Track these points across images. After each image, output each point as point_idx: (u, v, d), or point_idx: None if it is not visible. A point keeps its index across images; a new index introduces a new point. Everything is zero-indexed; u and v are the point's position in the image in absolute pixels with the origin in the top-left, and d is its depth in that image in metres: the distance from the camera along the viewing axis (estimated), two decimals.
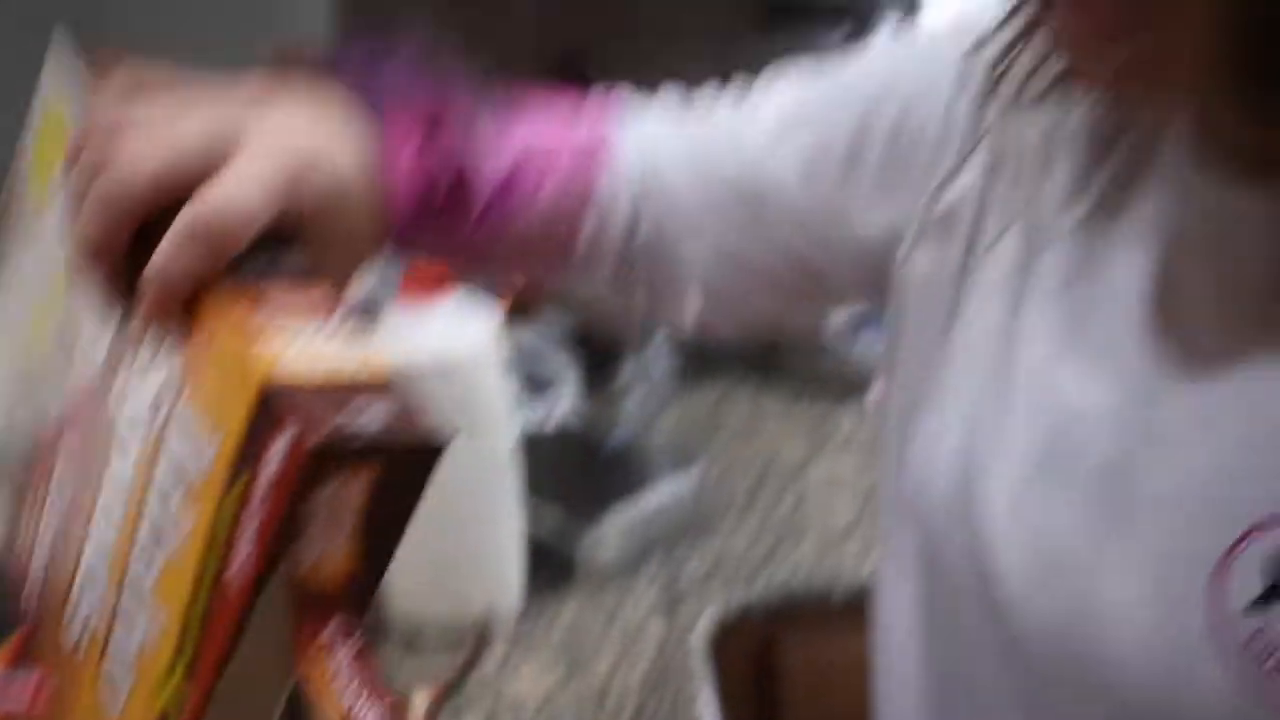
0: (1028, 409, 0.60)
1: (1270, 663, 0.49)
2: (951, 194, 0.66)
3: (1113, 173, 0.60)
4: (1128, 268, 0.58)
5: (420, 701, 1.05)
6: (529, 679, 1.08)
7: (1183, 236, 0.56)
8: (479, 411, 1.11)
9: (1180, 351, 0.55)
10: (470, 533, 1.13)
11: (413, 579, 1.14)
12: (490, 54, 1.78)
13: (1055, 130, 0.62)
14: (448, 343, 1.10)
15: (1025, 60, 0.59)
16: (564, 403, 1.42)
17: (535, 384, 1.40)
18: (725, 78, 1.73)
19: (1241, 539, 0.50)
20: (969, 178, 0.65)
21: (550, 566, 1.20)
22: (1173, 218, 0.57)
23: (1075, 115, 0.62)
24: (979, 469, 0.61)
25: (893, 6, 1.84)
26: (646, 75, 1.87)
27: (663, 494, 1.27)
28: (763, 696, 1.23)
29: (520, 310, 1.41)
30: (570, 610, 1.17)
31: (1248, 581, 0.50)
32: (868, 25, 1.83)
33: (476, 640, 1.12)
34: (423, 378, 1.07)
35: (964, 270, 0.65)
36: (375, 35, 0.61)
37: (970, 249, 0.65)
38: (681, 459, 1.35)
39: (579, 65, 1.90)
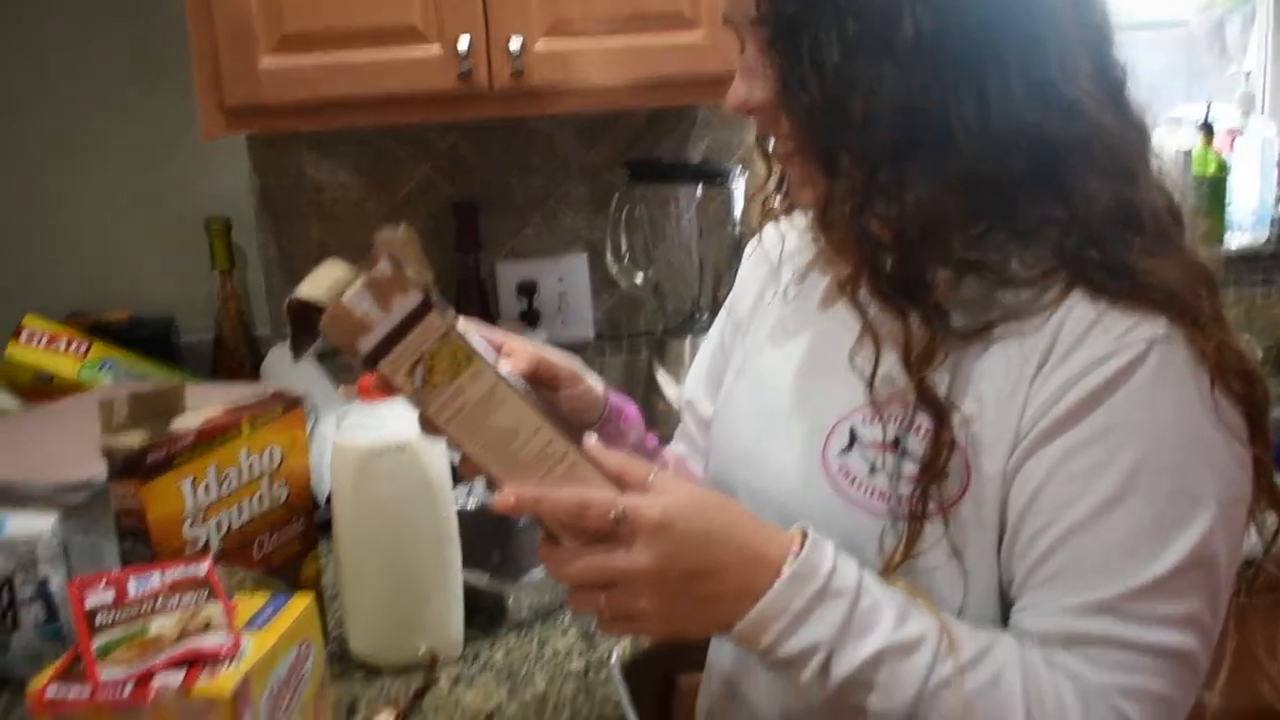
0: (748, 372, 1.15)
1: (845, 478, 0.99)
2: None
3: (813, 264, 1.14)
4: (810, 303, 1.11)
5: (385, 717, 1.25)
6: (479, 695, 1.30)
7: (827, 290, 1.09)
8: (431, 484, 1.34)
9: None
10: (422, 586, 1.35)
11: (371, 627, 1.36)
12: (394, 201, 2.07)
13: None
14: (402, 428, 1.33)
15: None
16: (479, 488, 1.65)
17: (455, 475, 1.63)
18: (592, 221, 2.06)
19: (838, 422, 1.00)
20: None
21: (483, 615, 1.43)
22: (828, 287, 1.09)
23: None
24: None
25: (734, 164, 2.16)
26: (524, 220, 2.18)
27: None
28: (664, 714, 1.47)
29: None
30: (505, 646, 1.40)
31: (841, 442, 1.00)
32: (715, 179, 2.14)
33: (429, 666, 1.34)
34: (386, 454, 1.30)
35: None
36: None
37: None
38: None
39: (469, 211, 2.17)
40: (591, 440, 0.91)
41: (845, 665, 0.86)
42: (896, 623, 0.87)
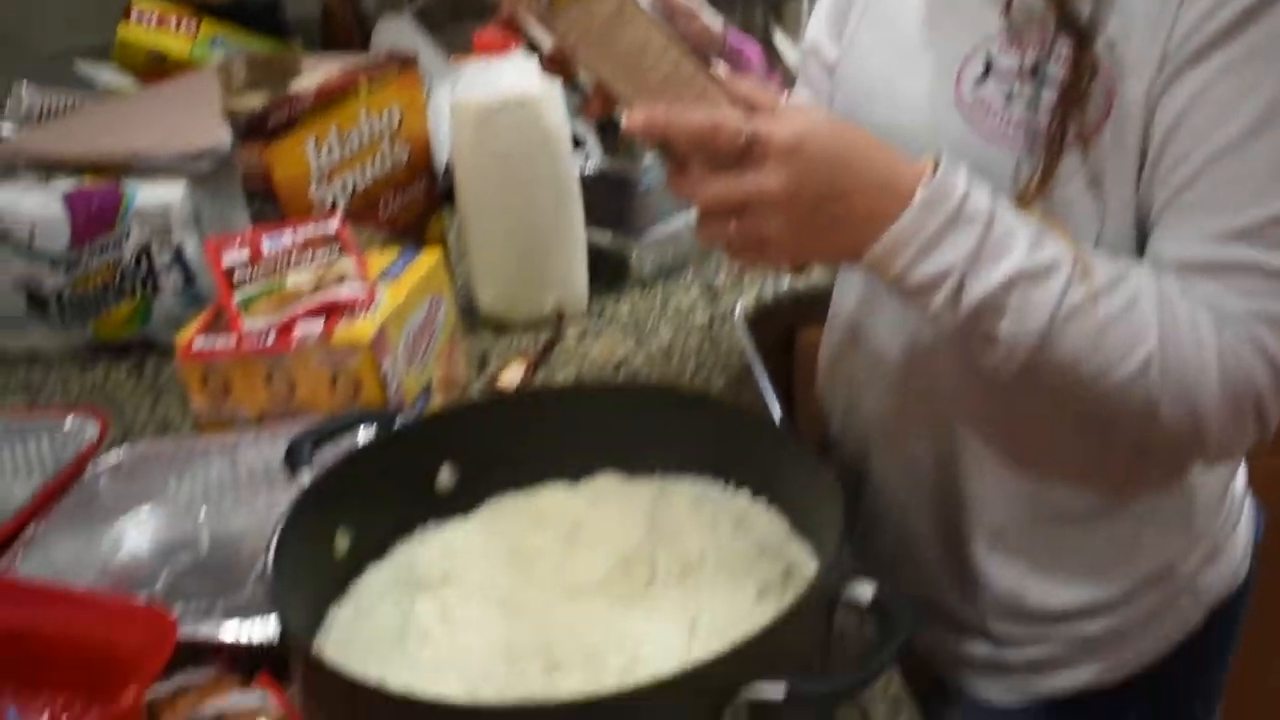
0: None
1: (980, 108, 0.93)
2: None
3: None
4: None
5: (516, 370, 1.29)
6: (606, 347, 1.33)
7: None
8: (551, 139, 1.33)
9: None
10: (546, 243, 1.37)
11: (498, 284, 1.38)
12: None
13: None
14: (522, 82, 1.31)
15: None
16: (594, 154, 1.64)
17: (574, 141, 1.61)
18: None
19: (972, 51, 0.94)
20: None
21: (607, 272, 1.45)
22: None
23: None
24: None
25: None
26: None
27: (692, 218, 1.50)
28: (786, 366, 1.50)
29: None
30: (629, 302, 1.43)
31: (975, 71, 0.94)
32: None
33: (556, 321, 1.36)
34: (506, 109, 1.29)
35: None
36: None
37: None
38: None
39: None
40: (719, 67, 0.89)
41: (977, 291, 0.85)
42: (1030, 248, 0.86)
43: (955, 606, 1.09)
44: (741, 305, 1.41)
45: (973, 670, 1.11)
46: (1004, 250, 0.85)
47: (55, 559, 1.02)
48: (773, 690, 0.67)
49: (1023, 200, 0.91)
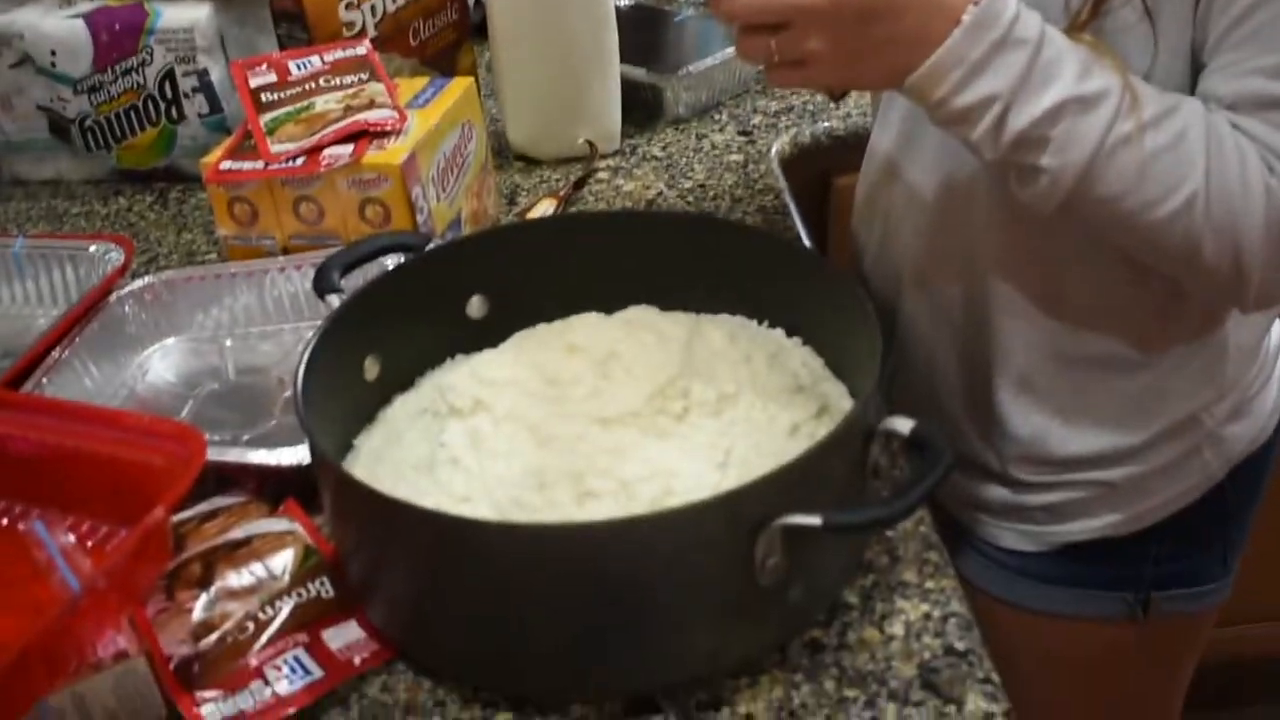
0: None
1: None
2: None
3: None
4: None
5: (546, 206, 1.26)
6: (639, 185, 1.30)
7: None
8: None
9: None
10: (580, 76, 1.33)
11: (530, 118, 1.36)
12: None
13: None
14: None
15: None
16: None
17: None
18: None
19: None
20: None
21: (640, 109, 1.42)
22: None
23: None
24: None
25: None
26: None
27: (730, 55, 1.46)
28: (819, 212, 1.48)
29: None
30: (662, 141, 1.40)
31: None
32: None
33: (588, 157, 1.34)
34: None
35: None
36: None
37: None
38: None
39: None
40: None
41: (1022, 118, 0.82)
42: (1078, 76, 0.83)
43: (977, 451, 1.08)
44: (777, 147, 1.38)
45: (990, 515, 1.10)
46: (1051, 77, 0.82)
47: (81, 385, 1.01)
48: (808, 518, 0.66)
49: (1074, 25, 0.87)
